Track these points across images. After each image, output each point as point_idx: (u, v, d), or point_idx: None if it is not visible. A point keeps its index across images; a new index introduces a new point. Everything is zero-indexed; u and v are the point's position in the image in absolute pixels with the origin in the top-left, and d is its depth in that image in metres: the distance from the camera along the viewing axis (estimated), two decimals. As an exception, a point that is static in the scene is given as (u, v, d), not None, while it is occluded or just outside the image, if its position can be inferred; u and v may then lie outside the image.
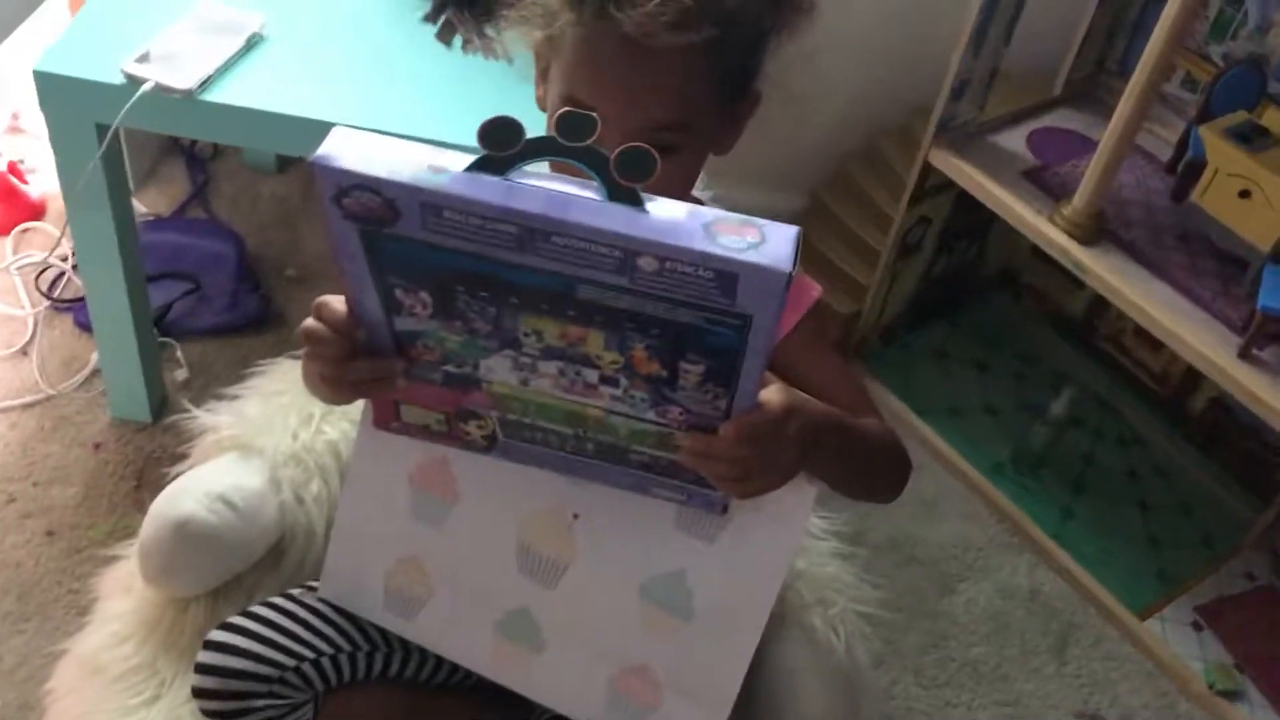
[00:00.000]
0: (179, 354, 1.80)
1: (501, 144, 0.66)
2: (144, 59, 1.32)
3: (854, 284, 1.91)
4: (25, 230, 1.94)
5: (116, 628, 1.18)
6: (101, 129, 1.34)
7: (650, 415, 0.79)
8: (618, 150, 0.67)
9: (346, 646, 1.04)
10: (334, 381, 0.84)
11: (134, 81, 1.30)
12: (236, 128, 1.36)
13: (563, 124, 0.67)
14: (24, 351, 1.78)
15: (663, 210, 0.65)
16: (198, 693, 1.00)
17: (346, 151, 0.66)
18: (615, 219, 0.64)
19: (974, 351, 2.05)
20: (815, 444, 0.83)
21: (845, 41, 1.92)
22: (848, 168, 1.94)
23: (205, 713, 1.01)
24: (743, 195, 2.12)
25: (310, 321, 0.83)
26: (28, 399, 1.73)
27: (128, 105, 1.26)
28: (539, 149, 0.67)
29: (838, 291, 1.93)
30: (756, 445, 0.79)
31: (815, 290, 1.03)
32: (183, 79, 1.30)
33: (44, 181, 2.00)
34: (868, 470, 0.95)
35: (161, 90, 1.30)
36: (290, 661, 1.01)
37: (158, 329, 1.75)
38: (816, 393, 0.89)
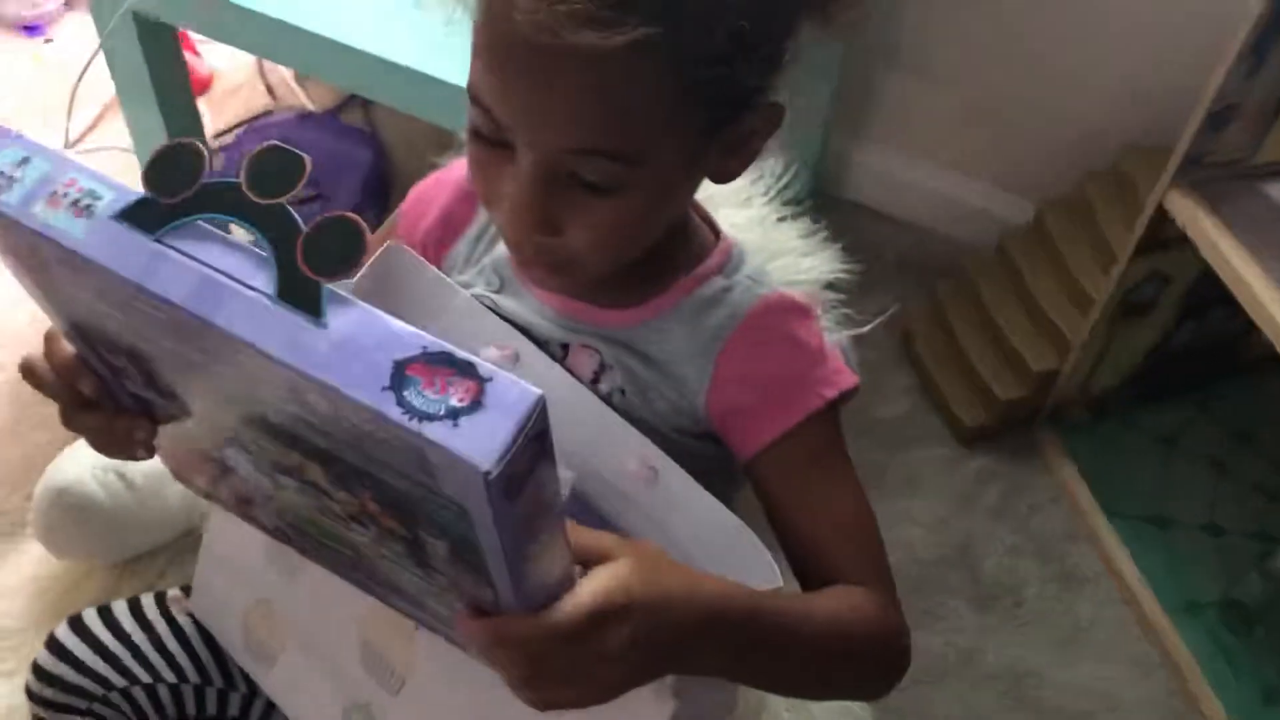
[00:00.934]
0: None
1: (171, 184, 0.47)
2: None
3: (1058, 335, 1.50)
4: (184, 105, 1.86)
5: (10, 578, 1.08)
6: (138, 17, 1.20)
7: (419, 573, 0.59)
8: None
9: (195, 679, 0.92)
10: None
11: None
12: (247, 32, 1.18)
13: (256, 165, 0.47)
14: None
15: (351, 325, 0.44)
16: (28, 693, 0.90)
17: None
18: (272, 332, 0.44)
19: (1215, 447, 1.59)
20: (686, 649, 0.62)
21: (1113, 29, 1.52)
22: (1087, 190, 1.51)
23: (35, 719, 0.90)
24: (961, 186, 1.81)
25: (32, 357, 0.65)
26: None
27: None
28: (217, 200, 0.47)
29: (1038, 339, 1.53)
30: (540, 655, 0.57)
31: (830, 387, 0.77)
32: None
33: (218, 56, 1.93)
34: (807, 672, 0.72)
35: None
36: (120, 681, 0.89)
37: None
38: (793, 531, 0.75)
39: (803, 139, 1.79)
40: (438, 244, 0.87)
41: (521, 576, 0.51)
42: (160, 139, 1.37)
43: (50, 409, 0.65)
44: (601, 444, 0.75)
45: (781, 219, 1.03)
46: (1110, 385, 1.54)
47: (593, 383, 0.79)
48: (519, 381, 0.43)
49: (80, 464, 1.02)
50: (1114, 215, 1.46)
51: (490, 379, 0.43)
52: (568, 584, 0.56)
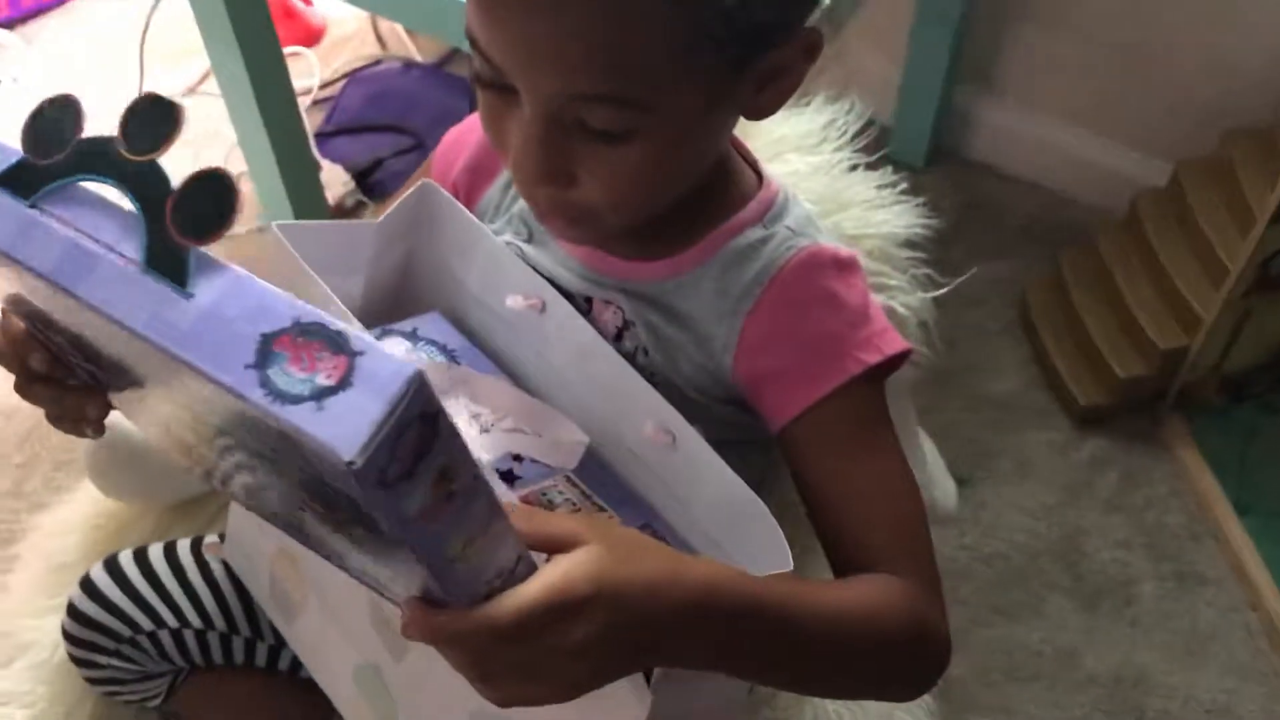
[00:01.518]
0: (368, 217, 1.65)
1: (47, 143, 0.44)
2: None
3: (1188, 309, 1.36)
4: (292, 54, 1.86)
5: (66, 514, 1.09)
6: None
7: (372, 561, 0.52)
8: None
9: (222, 626, 0.91)
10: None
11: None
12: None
13: (131, 118, 0.44)
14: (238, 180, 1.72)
15: (219, 295, 0.40)
16: (63, 631, 0.90)
17: None
18: (137, 302, 0.41)
19: (1372, 442, 1.42)
20: (667, 641, 0.55)
21: None
22: (1228, 149, 1.36)
23: (70, 656, 0.91)
24: (1094, 145, 1.67)
25: None
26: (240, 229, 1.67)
27: None
28: (92, 160, 0.43)
29: (1166, 313, 1.39)
30: (485, 653, 0.51)
31: (872, 351, 0.69)
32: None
33: (330, 4, 1.93)
34: (817, 669, 0.63)
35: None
36: (147, 624, 0.88)
37: (361, 185, 1.63)
38: (822, 511, 0.68)
39: (919, 91, 1.68)
40: (469, 188, 0.83)
41: (447, 572, 0.46)
42: (245, 85, 1.37)
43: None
44: (621, 404, 0.70)
45: (854, 167, 0.95)
46: (1246, 366, 1.40)
47: (615, 340, 0.73)
48: (393, 357, 0.38)
49: (125, 402, 1.01)
50: (1257, 177, 1.30)
51: (362, 353, 0.37)
52: (523, 574, 0.51)
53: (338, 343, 0.38)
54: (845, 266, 0.71)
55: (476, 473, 0.42)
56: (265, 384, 0.37)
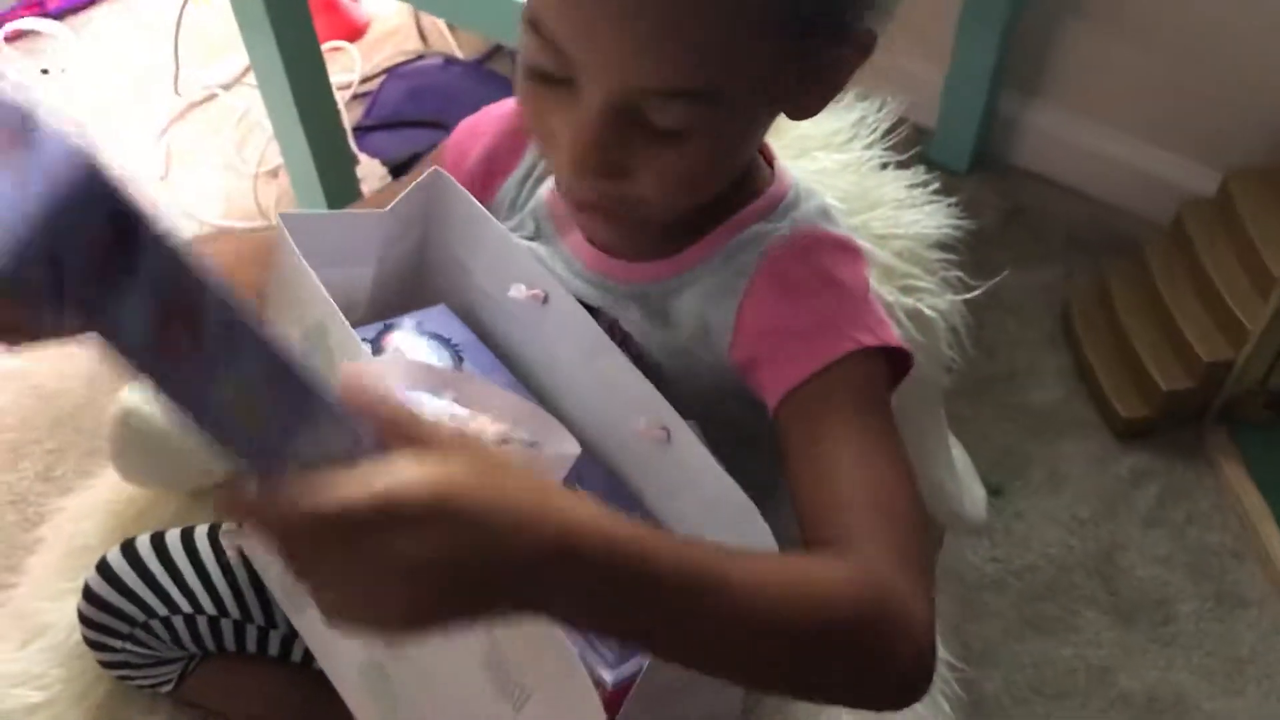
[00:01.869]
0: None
1: None
2: None
3: (1234, 322, 1.32)
4: (334, 49, 1.87)
5: (88, 498, 1.09)
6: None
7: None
8: None
9: (235, 613, 0.90)
10: None
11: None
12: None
13: None
14: (275, 173, 1.73)
15: None
16: (79, 614, 0.90)
17: None
18: None
19: None
20: (531, 584, 0.46)
21: None
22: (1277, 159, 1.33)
23: (84, 639, 0.90)
24: (1143, 153, 1.62)
25: None
26: (257, 222, 1.68)
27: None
28: None
29: (1211, 324, 1.35)
30: (301, 536, 0.43)
31: (869, 334, 0.67)
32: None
33: (375, 2, 1.93)
34: (753, 653, 0.53)
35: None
36: (161, 609, 0.88)
37: (396, 178, 1.63)
38: (798, 492, 0.63)
39: (963, 94, 1.64)
40: (484, 180, 0.82)
41: (228, 426, 0.42)
42: (282, 78, 1.37)
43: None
44: (620, 399, 0.69)
45: (884, 166, 0.93)
46: (1296, 380, 1.35)
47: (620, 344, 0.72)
48: (69, 143, 0.35)
49: (147, 387, 1.01)
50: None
51: (36, 131, 0.34)
52: (361, 463, 0.44)
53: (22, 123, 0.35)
54: (846, 249, 0.70)
55: (233, 317, 0.40)
56: None
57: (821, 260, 0.68)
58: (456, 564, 0.44)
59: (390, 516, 0.43)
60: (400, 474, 0.43)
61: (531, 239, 0.77)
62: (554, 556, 0.46)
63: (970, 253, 0.95)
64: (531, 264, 0.73)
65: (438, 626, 0.46)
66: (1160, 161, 1.59)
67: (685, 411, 0.66)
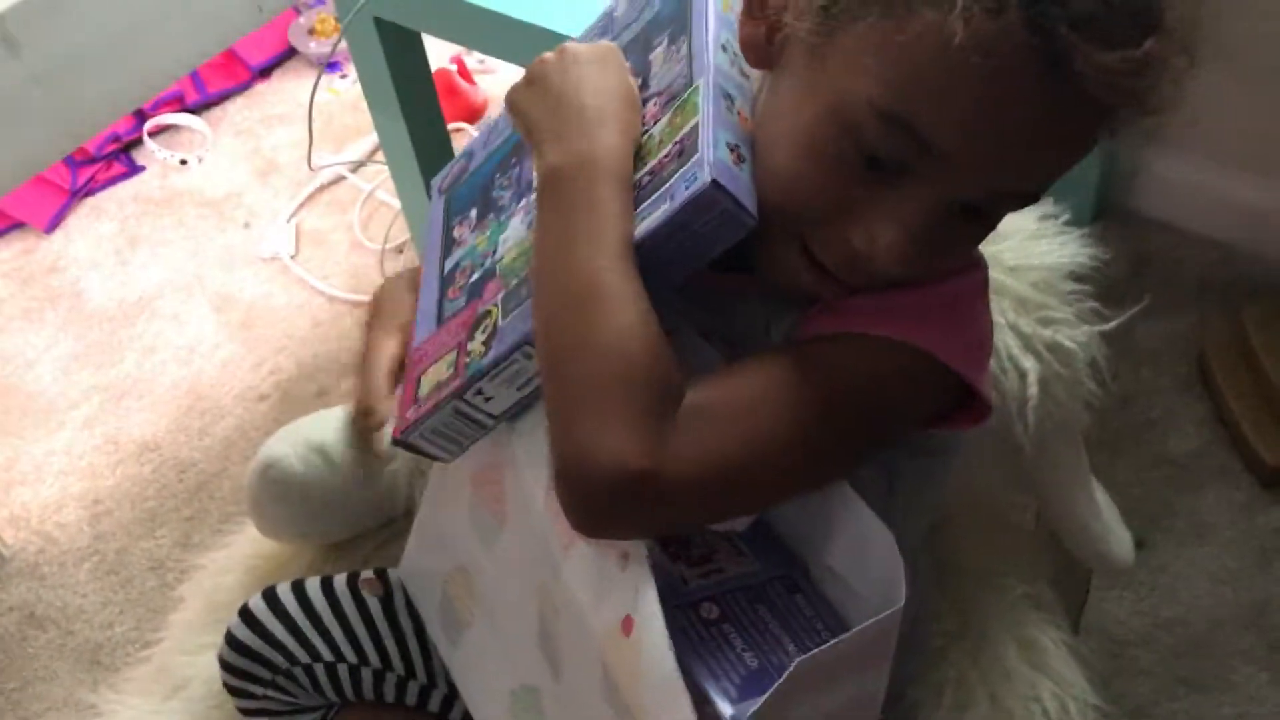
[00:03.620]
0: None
1: None
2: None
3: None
4: (455, 130, 1.93)
5: (225, 555, 1.12)
6: (381, 24, 1.24)
7: None
8: None
9: (376, 662, 0.91)
10: None
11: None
12: (486, 34, 1.17)
13: None
14: (400, 249, 1.79)
15: None
16: (220, 660, 0.91)
17: None
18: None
19: None
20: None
21: None
22: None
23: (225, 685, 0.92)
24: (1271, 195, 1.58)
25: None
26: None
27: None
28: None
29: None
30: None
31: (877, 326, 0.64)
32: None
33: (495, 84, 2.00)
34: (552, 304, 0.63)
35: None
36: (304, 657, 0.89)
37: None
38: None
39: (1084, 144, 1.62)
40: None
41: None
42: (410, 157, 1.42)
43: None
44: None
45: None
46: None
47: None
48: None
49: (287, 441, 1.03)
50: None
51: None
52: None
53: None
54: (975, 276, 0.69)
55: None
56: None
57: (947, 280, 0.66)
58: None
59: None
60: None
61: None
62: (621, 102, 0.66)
63: (1102, 300, 0.93)
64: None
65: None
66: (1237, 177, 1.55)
67: None
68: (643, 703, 0.62)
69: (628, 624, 0.62)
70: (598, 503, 0.60)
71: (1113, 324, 0.92)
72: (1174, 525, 1.36)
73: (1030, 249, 0.88)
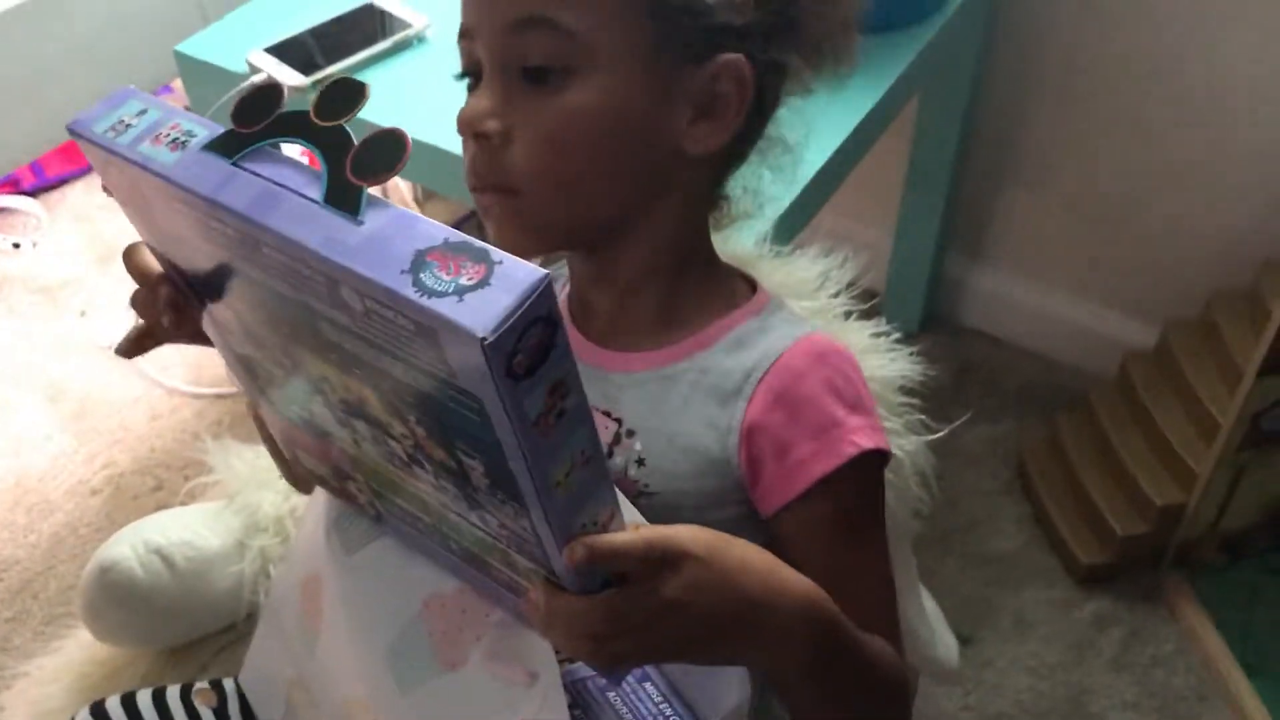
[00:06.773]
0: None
1: (252, 117, 0.53)
2: (277, 49, 1.20)
3: (1183, 467, 1.37)
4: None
5: (52, 662, 1.07)
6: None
7: (474, 519, 0.59)
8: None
9: None
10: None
11: (252, 70, 1.17)
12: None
13: (324, 95, 0.52)
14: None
15: (383, 222, 0.48)
16: None
17: (111, 115, 0.56)
18: (314, 229, 0.48)
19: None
20: (754, 621, 0.59)
21: (1250, 142, 1.43)
22: (1214, 309, 1.40)
23: None
24: (1084, 310, 1.71)
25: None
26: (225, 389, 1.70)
27: (225, 96, 1.14)
28: (287, 126, 0.53)
29: (1161, 470, 1.40)
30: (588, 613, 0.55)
31: (867, 438, 0.71)
32: (297, 75, 1.16)
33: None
34: (845, 694, 0.66)
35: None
36: None
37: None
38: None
39: (912, 258, 1.73)
40: None
41: (549, 499, 0.51)
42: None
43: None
44: None
45: (849, 314, 0.98)
46: (1246, 525, 1.40)
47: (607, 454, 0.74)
48: (529, 265, 0.44)
49: (127, 542, 0.99)
50: (1243, 335, 1.34)
51: (501, 262, 0.45)
52: (615, 529, 0.56)
53: (481, 254, 0.45)
54: (845, 357, 0.74)
55: (583, 401, 0.49)
56: (417, 284, 0.44)
57: (827, 368, 0.72)
58: (709, 597, 0.56)
59: (657, 562, 0.55)
60: (662, 530, 0.56)
61: None
62: (772, 600, 0.59)
63: (928, 407, 0.99)
64: None
65: (697, 652, 0.59)
66: (1100, 317, 1.67)
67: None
68: None
69: None
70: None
71: (939, 434, 0.98)
72: (998, 622, 1.43)
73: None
